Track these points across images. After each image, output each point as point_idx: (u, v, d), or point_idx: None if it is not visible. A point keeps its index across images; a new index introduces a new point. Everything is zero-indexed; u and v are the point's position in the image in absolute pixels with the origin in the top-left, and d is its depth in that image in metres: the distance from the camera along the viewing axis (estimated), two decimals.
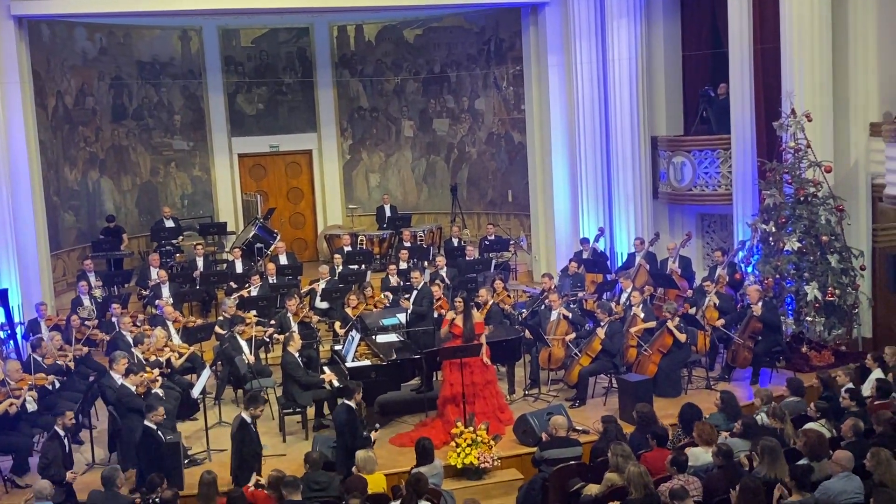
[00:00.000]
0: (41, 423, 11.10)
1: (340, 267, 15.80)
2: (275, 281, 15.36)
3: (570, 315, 12.97)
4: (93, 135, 18.31)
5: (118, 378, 10.94)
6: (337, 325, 14.08)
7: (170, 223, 17.90)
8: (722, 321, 12.83)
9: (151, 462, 9.71)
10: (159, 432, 9.95)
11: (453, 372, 11.25)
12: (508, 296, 14.43)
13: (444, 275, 15.24)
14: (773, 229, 13.29)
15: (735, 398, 10.24)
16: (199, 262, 16.37)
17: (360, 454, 9.23)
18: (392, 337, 12.76)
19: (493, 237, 17.22)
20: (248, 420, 9.90)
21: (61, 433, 9.91)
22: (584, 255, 15.77)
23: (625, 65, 15.96)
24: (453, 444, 10.40)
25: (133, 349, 12.11)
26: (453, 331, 11.64)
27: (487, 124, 19.47)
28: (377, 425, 10.72)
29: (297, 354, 11.80)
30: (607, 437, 9.46)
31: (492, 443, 10.46)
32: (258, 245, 16.91)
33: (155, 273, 15.54)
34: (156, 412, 10.04)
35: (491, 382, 11.60)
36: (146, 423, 9.93)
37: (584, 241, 16.06)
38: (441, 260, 15.66)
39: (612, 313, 12.61)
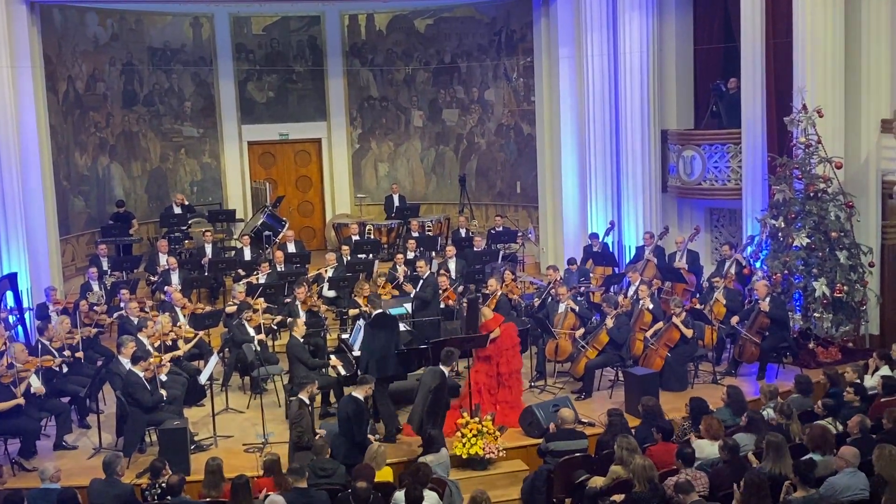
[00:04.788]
0: (48, 407, 11.16)
1: (348, 256, 15.81)
2: (282, 269, 15.39)
3: (577, 308, 12.98)
4: (103, 120, 18.34)
5: (126, 363, 10.98)
6: (351, 312, 14.13)
7: (178, 210, 17.92)
8: (736, 318, 12.79)
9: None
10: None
11: (480, 363, 11.46)
12: (518, 287, 14.43)
13: (451, 266, 15.23)
14: (783, 225, 13.27)
15: (741, 393, 10.24)
16: (208, 248, 16.38)
17: (371, 447, 9.25)
18: (399, 326, 12.76)
19: (500, 228, 17.23)
20: (362, 396, 10.04)
21: (307, 402, 10.06)
22: (594, 249, 15.76)
23: (636, 58, 15.91)
24: (458, 434, 10.43)
25: (138, 334, 12.15)
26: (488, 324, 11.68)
27: (497, 115, 19.46)
28: (377, 434, 10.75)
29: (301, 339, 11.85)
30: (613, 430, 9.48)
31: (497, 433, 10.48)
32: (266, 233, 16.94)
33: (164, 259, 15.58)
34: (368, 385, 10.19)
35: (517, 371, 11.57)
36: (355, 394, 10.04)
37: (594, 235, 16.04)
38: (451, 249, 15.65)
39: (618, 307, 12.62)
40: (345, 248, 16.14)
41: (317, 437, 9.72)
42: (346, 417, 9.97)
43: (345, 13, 19.97)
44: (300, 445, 9.71)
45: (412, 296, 13.62)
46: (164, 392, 11.00)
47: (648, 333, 12.54)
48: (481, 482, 9.87)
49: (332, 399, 11.84)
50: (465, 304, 11.95)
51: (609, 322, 12.40)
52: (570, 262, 15.54)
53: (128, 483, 9.17)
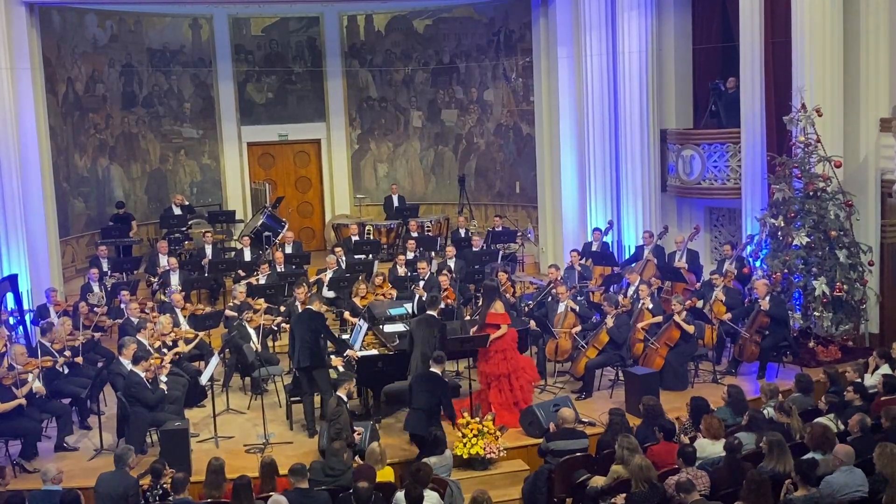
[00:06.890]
0: (50, 409, 11.17)
1: (343, 257, 15.78)
2: (282, 269, 15.39)
3: (577, 307, 12.99)
4: (103, 122, 18.34)
5: (127, 364, 10.99)
6: (346, 314, 14.11)
7: (177, 211, 17.93)
8: (729, 315, 12.82)
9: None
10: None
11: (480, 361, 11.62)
12: (512, 286, 14.41)
13: (451, 265, 15.24)
14: (782, 224, 13.29)
15: (742, 392, 10.25)
16: (208, 249, 16.37)
17: (371, 446, 9.26)
18: (399, 327, 12.79)
19: (500, 228, 17.22)
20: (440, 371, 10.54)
21: (345, 399, 10.10)
22: (594, 248, 15.75)
23: (635, 57, 15.92)
24: (459, 434, 10.44)
25: (137, 335, 12.13)
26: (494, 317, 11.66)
27: (496, 115, 19.46)
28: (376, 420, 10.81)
29: None
30: (613, 430, 9.49)
31: (498, 433, 10.49)
32: (266, 234, 16.93)
33: (164, 260, 15.59)
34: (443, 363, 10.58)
35: (505, 376, 11.37)
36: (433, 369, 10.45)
37: (596, 230, 16.01)
38: (451, 249, 15.64)
39: (619, 306, 12.63)
40: (338, 249, 16.02)
41: (354, 434, 9.78)
42: (427, 390, 10.27)
43: (343, 14, 19.98)
44: None
45: (424, 297, 13.59)
46: (164, 387, 11.01)
47: (642, 325, 12.54)
48: (482, 482, 9.88)
49: None
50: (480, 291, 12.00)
51: (609, 321, 12.41)
52: (573, 252, 15.47)
53: (134, 477, 9.18)
